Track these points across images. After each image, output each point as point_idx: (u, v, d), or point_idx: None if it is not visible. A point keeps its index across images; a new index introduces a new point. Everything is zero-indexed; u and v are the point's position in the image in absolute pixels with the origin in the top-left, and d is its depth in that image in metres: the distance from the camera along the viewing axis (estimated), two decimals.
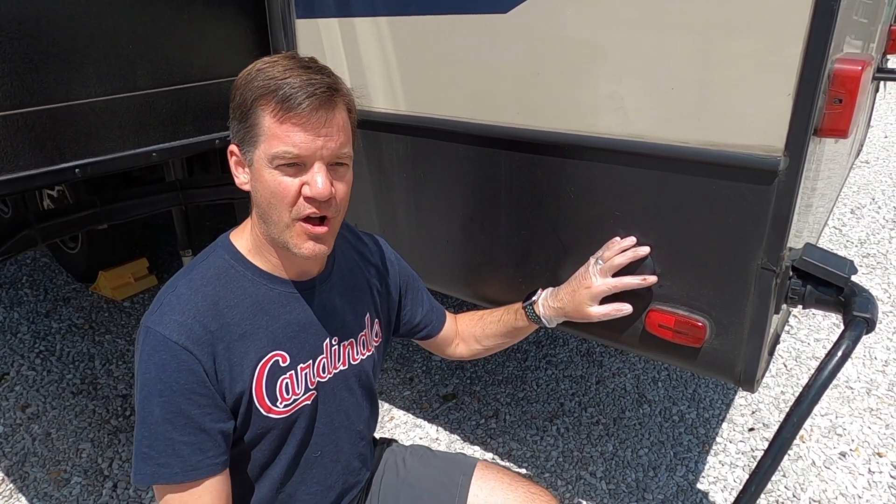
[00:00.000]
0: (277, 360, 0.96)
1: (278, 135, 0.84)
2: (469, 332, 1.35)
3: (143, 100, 1.53)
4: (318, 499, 1.08)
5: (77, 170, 1.42)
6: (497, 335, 1.33)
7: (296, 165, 0.86)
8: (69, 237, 3.13)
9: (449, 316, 1.35)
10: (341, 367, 1.06)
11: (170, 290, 0.93)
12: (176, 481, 0.87)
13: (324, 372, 1.03)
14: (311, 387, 1.01)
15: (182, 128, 1.62)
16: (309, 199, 0.87)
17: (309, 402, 1.01)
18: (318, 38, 1.64)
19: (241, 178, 0.94)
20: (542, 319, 1.28)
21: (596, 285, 1.20)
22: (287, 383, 0.97)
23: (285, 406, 0.97)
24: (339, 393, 1.06)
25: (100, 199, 2.06)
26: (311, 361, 1.00)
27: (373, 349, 1.13)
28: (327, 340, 1.03)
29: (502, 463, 2.09)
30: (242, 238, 0.98)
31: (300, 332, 0.99)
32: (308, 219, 0.89)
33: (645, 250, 1.22)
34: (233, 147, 0.94)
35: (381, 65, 1.55)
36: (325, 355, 1.03)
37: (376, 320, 1.15)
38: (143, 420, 0.87)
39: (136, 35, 1.48)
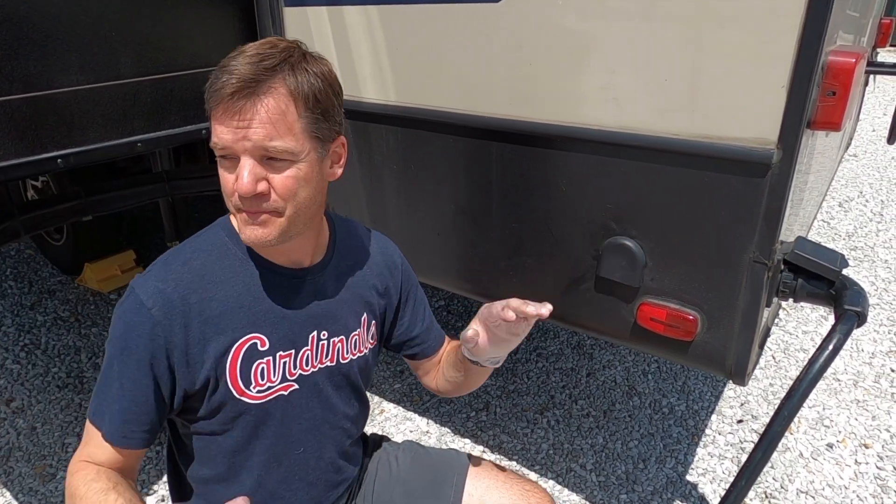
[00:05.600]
0: (255, 343, 0.95)
1: (212, 127, 0.84)
2: (441, 362, 1.22)
3: (127, 88, 1.50)
4: (301, 495, 1.07)
5: (59, 160, 1.39)
6: (451, 367, 1.17)
7: (230, 158, 0.85)
8: (54, 229, 3.09)
9: (446, 343, 1.24)
10: (328, 363, 1.04)
11: (163, 258, 0.94)
12: (102, 430, 0.91)
13: (307, 365, 1.01)
14: (289, 377, 0.99)
15: (167, 117, 1.59)
16: (240, 195, 0.85)
17: (286, 393, 0.99)
18: (307, 26, 1.61)
19: None
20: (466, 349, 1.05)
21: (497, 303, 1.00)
22: (263, 368, 0.96)
23: (259, 392, 0.95)
24: (324, 389, 1.04)
25: (84, 190, 2.02)
26: (292, 351, 0.99)
27: (366, 351, 1.10)
28: (314, 333, 1.01)
29: (492, 456, 2.09)
30: None
31: (283, 320, 0.97)
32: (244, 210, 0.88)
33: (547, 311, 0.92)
34: None
35: (370, 54, 1.53)
36: (309, 347, 1.01)
37: (373, 322, 1.11)
38: (105, 366, 0.92)
39: (120, 22, 1.45)
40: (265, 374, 0.96)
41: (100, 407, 0.91)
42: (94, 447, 0.91)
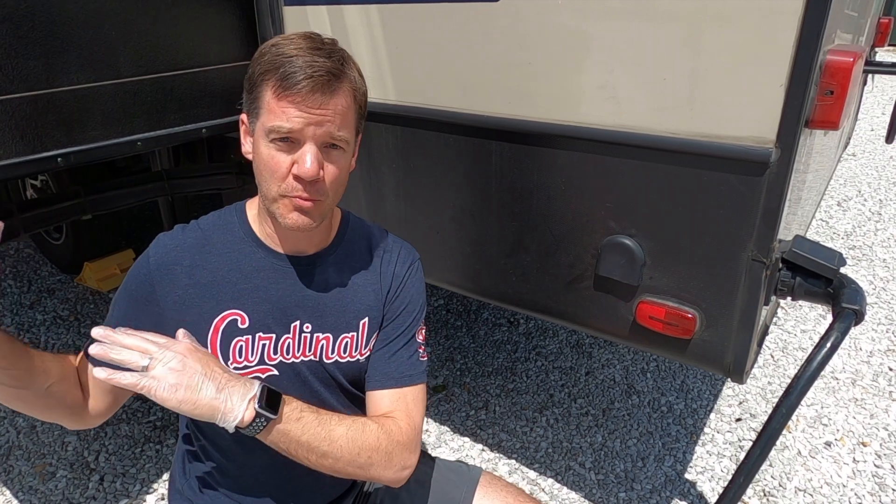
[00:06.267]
0: (236, 320, 0.97)
1: (275, 109, 0.87)
2: None
3: (127, 87, 1.50)
4: (286, 488, 1.06)
5: (59, 159, 1.39)
6: None
7: (289, 141, 0.88)
8: (53, 228, 3.09)
9: (389, 404, 1.01)
10: (311, 358, 1.01)
11: (185, 224, 1.03)
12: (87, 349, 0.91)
13: (287, 353, 1.00)
14: (268, 361, 0.98)
15: (167, 116, 1.59)
16: (297, 178, 0.88)
17: (262, 377, 0.98)
18: (307, 25, 1.61)
19: (246, 146, 0.98)
20: None
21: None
22: (241, 346, 0.97)
23: (235, 368, 0.96)
24: (310, 381, 1.02)
25: (84, 188, 2.02)
26: (272, 336, 0.98)
27: (359, 358, 1.04)
28: (297, 323, 1.00)
29: (491, 454, 2.10)
30: (253, 205, 1.03)
31: (266, 301, 0.98)
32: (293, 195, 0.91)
33: None
34: (243, 115, 0.97)
35: (370, 53, 1.53)
36: (290, 336, 1.00)
37: (375, 332, 1.06)
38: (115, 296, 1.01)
39: (119, 21, 1.45)
40: (243, 353, 0.97)
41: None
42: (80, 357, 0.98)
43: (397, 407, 1.01)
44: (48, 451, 2.08)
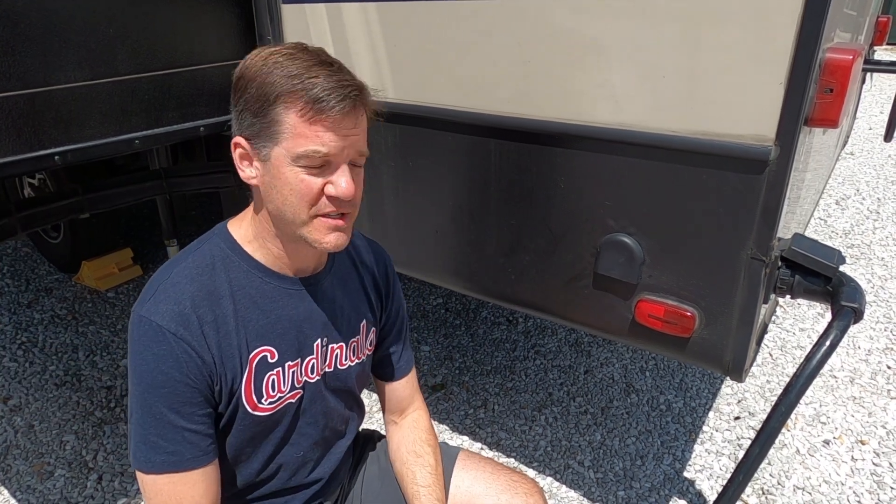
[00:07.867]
0: (266, 356, 0.94)
1: (306, 134, 0.83)
2: (403, 444, 1.18)
3: (124, 85, 1.49)
4: (298, 498, 1.08)
5: (57, 157, 1.39)
6: (402, 479, 1.15)
7: (319, 166, 0.85)
8: (51, 226, 3.08)
9: (411, 385, 1.21)
10: (327, 370, 1.04)
11: (163, 277, 0.90)
12: (189, 468, 0.88)
13: (311, 372, 1.01)
14: (297, 385, 0.99)
15: (165, 115, 1.59)
16: (332, 199, 0.86)
17: (294, 401, 1.00)
18: (305, 23, 1.61)
19: (248, 171, 0.91)
20: None
21: None
22: (273, 380, 0.96)
23: (270, 403, 0.96)
24: (324, 394, 1.05)
25: (82, 187, 2.02)
26: (298, 360, 0.99)
27: (364, 357, 1.10)
28: (318, 341, 1.01)
29: (490, 453, 2.10)
30: (241, 228, 0.96)
31: (290, 329, 0.97)
32: (327, 214, 0.88)
33: None
34: (240, 139, 0.89)
35: (368, 51, 1.53)
36: (314, 356, 1.01)
37: (373, 329, 1.11)
38: (146, 410, 0.87)
39: (116, 18, 1.45)
40: (276, 386, 0.96)
41: (163, 448, 0.87)
42: (183, 496, 0.88)
43: (416, 391, 1.22)
44: (46, 450, 2.08)
